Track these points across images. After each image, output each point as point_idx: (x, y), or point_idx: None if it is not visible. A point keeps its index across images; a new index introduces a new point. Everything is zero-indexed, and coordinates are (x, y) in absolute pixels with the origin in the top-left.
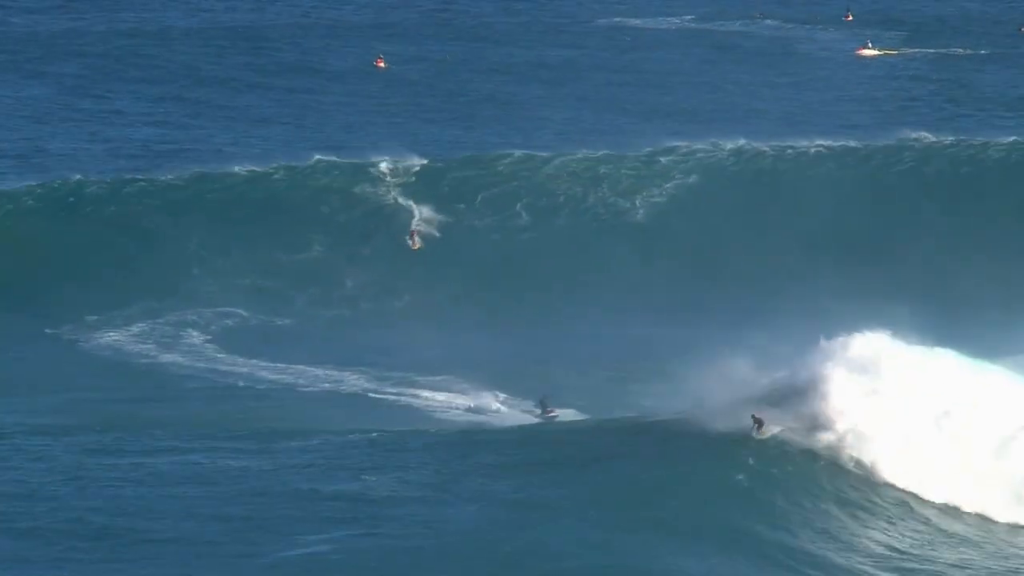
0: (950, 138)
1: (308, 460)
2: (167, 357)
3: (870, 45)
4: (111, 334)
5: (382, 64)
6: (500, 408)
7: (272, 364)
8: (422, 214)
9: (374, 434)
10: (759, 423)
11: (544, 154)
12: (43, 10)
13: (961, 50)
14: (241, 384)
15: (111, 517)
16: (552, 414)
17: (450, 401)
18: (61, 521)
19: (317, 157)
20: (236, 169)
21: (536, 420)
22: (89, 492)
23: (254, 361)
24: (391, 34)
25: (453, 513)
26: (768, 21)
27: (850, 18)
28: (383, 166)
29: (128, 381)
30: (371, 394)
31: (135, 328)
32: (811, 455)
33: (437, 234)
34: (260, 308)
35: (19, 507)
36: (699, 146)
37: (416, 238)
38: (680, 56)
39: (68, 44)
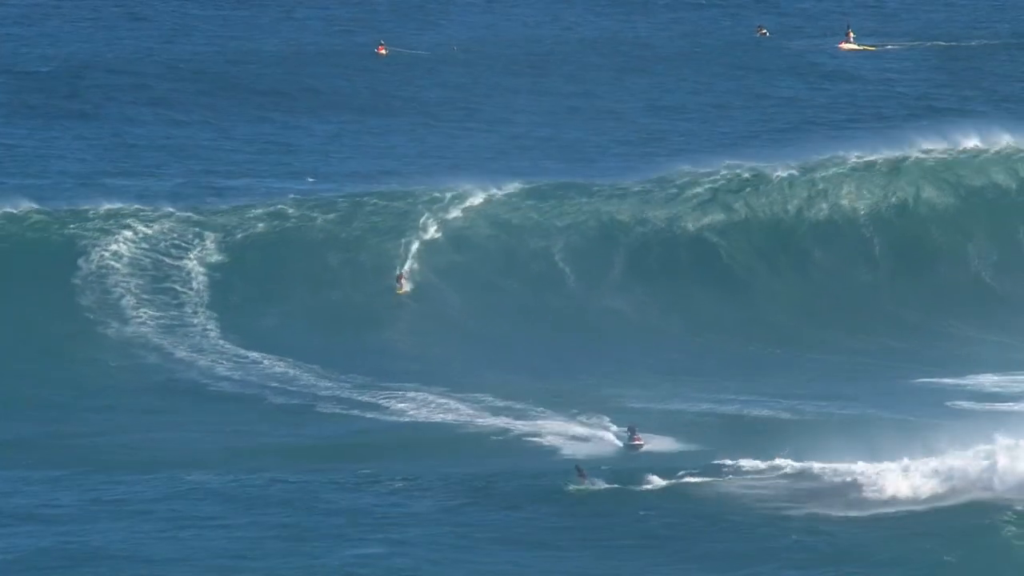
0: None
1: (358, 480)
2: (234, 385)
3: (851, 39)
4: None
5: (383, 51)
6: (584, 433)
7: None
8: (410, 257)
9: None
10: (581, 473)
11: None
12: None
13: (942, 43)
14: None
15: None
16: (638, 443)
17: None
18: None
19: (320, 194)
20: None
21: (621, 447)
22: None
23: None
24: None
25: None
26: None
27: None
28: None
29: (201, 411)
30: (460, 427)
31: (194, 356)
32: None
33: (426, 277)
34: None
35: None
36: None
37: (404, 282)
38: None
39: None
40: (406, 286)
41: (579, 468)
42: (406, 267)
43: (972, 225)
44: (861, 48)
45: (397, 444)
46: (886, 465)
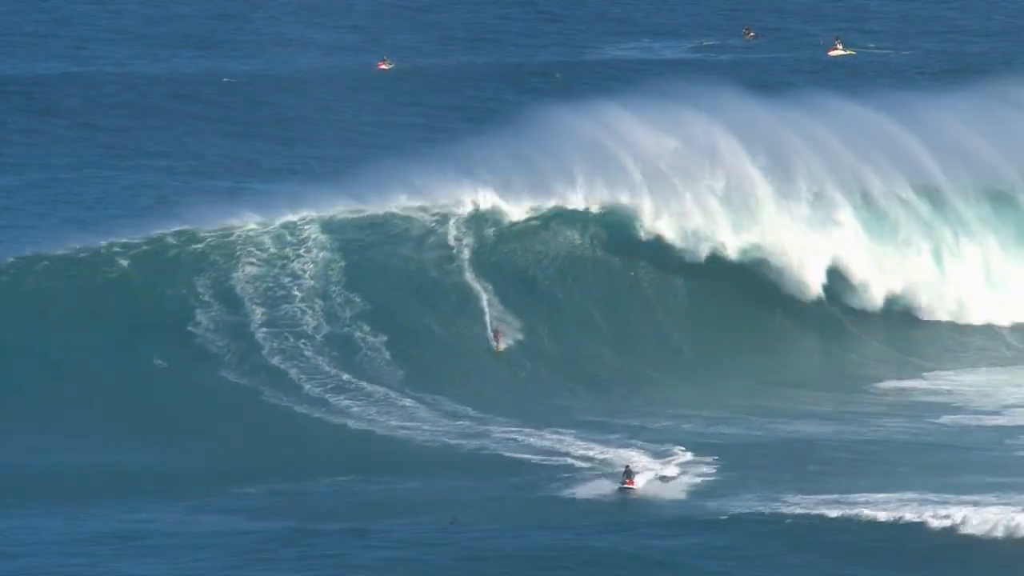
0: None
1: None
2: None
3: (839, 46)
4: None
5: (384, 66)
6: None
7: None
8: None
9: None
10: (454, 520)
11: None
12: None
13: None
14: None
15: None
16: (629, 486)
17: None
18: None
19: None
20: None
21: (614, 490)
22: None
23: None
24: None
25: None
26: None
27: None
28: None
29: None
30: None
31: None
32: None
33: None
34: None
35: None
36: None
37: (499, 338)
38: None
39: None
40: (503, 343)
41: (455, 517)
42: (496, 324)
43: None
44: (847, 53)
45: (427, 463)
46: None
